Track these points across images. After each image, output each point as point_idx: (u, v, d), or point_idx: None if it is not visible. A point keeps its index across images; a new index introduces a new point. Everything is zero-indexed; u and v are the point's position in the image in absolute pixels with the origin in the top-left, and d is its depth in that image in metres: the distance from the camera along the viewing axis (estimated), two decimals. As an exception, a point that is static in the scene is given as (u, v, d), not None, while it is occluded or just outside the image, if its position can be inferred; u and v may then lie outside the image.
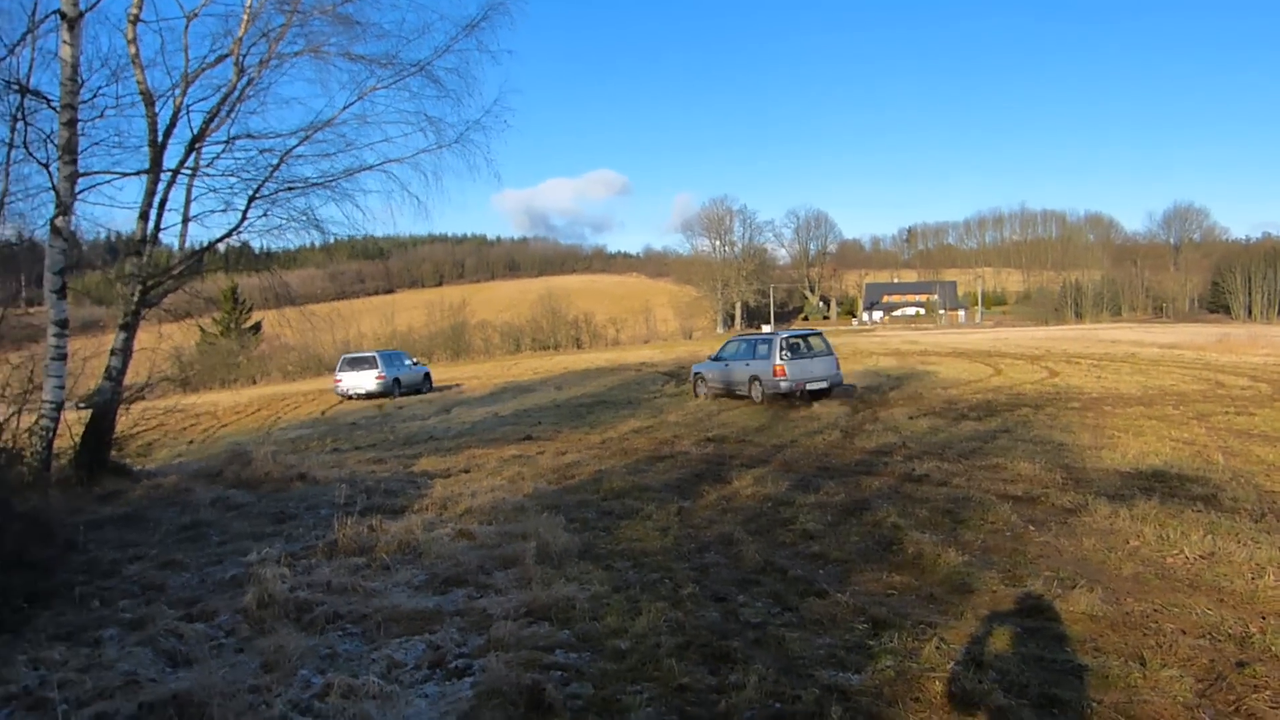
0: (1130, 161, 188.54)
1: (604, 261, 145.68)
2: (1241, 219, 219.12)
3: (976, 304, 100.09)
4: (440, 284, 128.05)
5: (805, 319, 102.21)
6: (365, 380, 32.35)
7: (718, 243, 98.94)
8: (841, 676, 4.75)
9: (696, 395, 23.01)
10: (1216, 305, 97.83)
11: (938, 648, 4.99)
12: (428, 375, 36.50)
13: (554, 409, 23.11)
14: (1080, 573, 6.46)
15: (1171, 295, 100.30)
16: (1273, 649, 4.88)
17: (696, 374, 23.67)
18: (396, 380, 32.86)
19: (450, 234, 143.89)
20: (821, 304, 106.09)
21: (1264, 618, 5.38)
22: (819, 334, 21.81)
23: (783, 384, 19.34)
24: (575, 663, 5.15)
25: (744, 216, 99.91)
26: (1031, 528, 7.86)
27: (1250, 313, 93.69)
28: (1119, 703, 4.29)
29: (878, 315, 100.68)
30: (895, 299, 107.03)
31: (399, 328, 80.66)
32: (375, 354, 34.57)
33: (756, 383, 20.07)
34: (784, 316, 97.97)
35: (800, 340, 20.60)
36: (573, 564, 7.32)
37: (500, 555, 7.67)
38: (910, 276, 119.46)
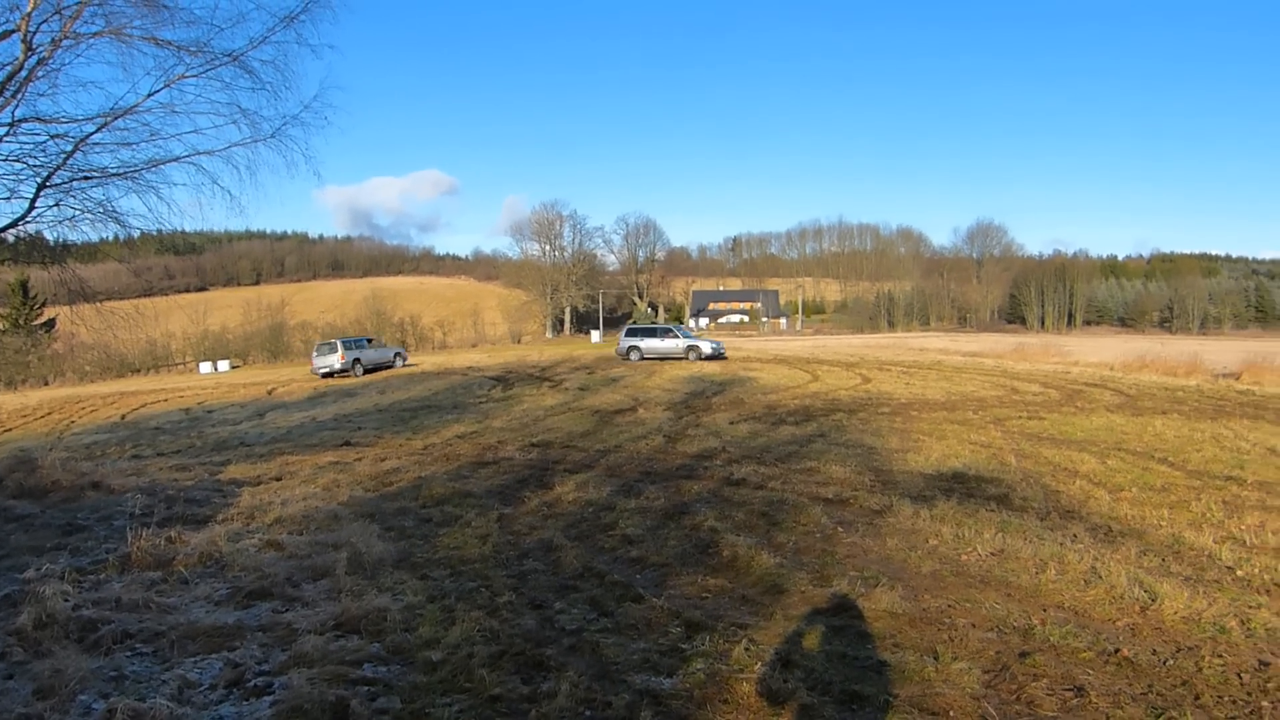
0: (938, 178, 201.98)
1: (432, 263, 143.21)
2: (1036, 236, 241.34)
3: (797, 312, 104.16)
4: (258, 282, 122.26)
5: (633, 324, 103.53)
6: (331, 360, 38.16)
7: (548, 247, 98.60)
8: (654, 681, 4.77)
9: None
10: (1014, 316, 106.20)
11: (747, 649, 5.09)
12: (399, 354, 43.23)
13: (376, 413, 22.43)
14: (884, 571, 6.77)
15: (975, 306, 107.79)
16: (1051, 640, 5.24)
17: None
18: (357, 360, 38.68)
19: (270, 230, 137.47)
20: (650, 310, 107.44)
21: (1045, 610, 5.78)
22: None
23: None
24: (385, 676, 4.98)
25: (574, 221, 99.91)
26: (841, 529, 8.18)
27: (1043, 323, 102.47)
28: (914, 696, 4.49)
29: (704, 322, 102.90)
30: (721, 306, 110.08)
31: (212, 327, 76.52)
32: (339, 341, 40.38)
33: None
34: (613, 322, 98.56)
35: None
36: (387, 574, 7.11)
37: (311, 566, 7.37)
38: (735, 285, 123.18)
